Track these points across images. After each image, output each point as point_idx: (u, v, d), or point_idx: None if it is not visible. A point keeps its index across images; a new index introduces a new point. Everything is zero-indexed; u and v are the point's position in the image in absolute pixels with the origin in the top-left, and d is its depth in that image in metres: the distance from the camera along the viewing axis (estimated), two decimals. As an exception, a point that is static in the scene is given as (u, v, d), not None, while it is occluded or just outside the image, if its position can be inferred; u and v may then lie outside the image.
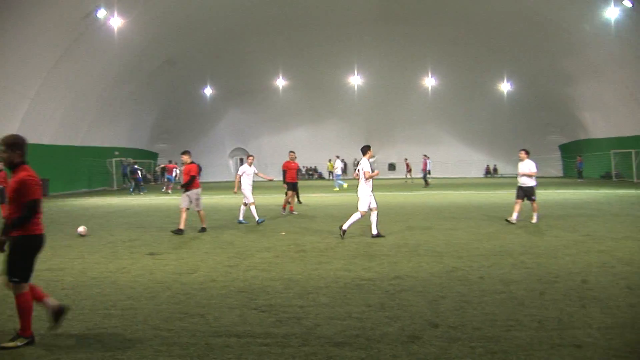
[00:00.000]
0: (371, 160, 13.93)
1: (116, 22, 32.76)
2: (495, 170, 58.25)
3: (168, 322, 6.64)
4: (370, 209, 13.31)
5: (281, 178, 20.30)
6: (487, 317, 6.57)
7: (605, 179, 44.44)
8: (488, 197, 26.52)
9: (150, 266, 10.13)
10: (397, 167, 57.35)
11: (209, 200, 27.65)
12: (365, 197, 13.17)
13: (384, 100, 55.16)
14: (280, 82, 53.56)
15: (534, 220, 15.70)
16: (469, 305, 7.14)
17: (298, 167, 21.34)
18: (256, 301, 7.50)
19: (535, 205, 15.92)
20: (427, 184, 39.50)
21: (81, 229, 14.68)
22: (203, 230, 14.97)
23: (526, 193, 15.82)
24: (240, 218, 16.98)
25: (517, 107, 52.77)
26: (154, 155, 54.92)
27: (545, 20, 37.45)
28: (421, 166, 41.21)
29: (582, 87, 43.76)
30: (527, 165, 15.92)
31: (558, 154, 56.02)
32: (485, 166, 58.76)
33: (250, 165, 17.25)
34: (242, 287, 8.33)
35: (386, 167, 58.40)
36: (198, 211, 15.18)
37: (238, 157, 59.93)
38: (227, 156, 59.33)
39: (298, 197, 24.08)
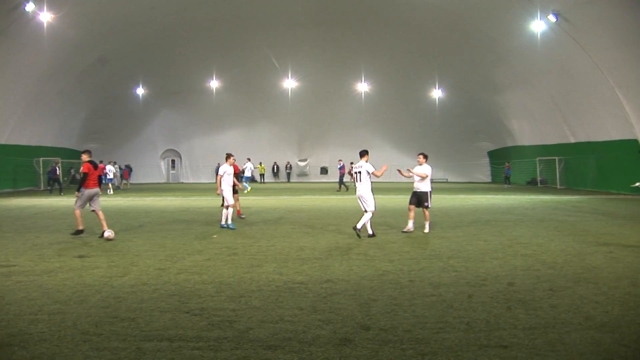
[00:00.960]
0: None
1: (46, 16, 31.66)
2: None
3: (98, 326, 6.46)
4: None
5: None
6: (418, 320, 6.67)
7: (531, 185, 45.91)
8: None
9: (79, 269, 9.82)
10: (329, 171, 57.69)
11: (140, 202, 27.12)
12: (372, 196, 14.16)
13: (317, 104, 55.40)
14: (214, 84, 53.04)
15: (426, 230, 14.91)
16: (399, 308, 7.22)
17: (238, 170, 20.37)
18: (188, 304, 7.38)
19: (427, 213, 15.10)
20: (341, 188, 39.20)
21: (108, 233, 13.70)
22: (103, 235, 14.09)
23: (419, 199, 15.05)
24: (229, 222, 16.12)
25: (447, 113, 53.88)
26: (83, 156, 53.40)
27: (477, 30, 38.41)
28: (341, 169, 41.36)
29: (510, 96, 45.09)
30: (424, 170, 15.24)
31: (487, 160, 57.54)
32: (417, 171, 59.76)
33: (230, 165, 16.60)
34: (174, 291, 8.19)
35: (318, 170, 58.71)
36: (94, 211, 14.64)
37: (170, 159, 59.01)
38: (158, 157, 58.29)
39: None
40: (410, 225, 15.05)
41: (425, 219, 15.14)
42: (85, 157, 14.80)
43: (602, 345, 5.76)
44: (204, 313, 6.97)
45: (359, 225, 13.79)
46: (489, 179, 56.60)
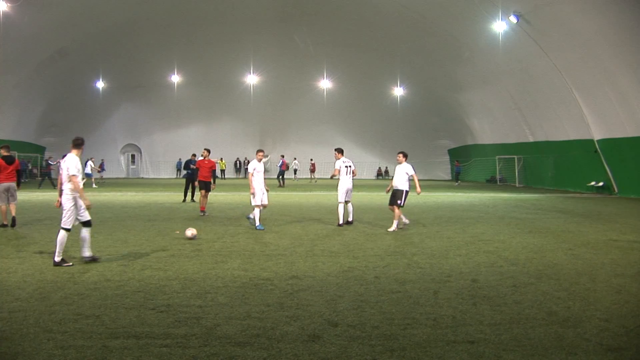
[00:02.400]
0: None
1: (2, 6, 30.83)
2: (386, 172, 59.76)
3: (62, 324, 6.30)
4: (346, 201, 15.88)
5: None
6: (385, 316, 6.70)
7: (491, 182, 46.60)
8: (380, 198, 27.05)
9: (40, 265, 9.59)
10: (290, 167, 57.64)
11: (101, 197, 26.67)
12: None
13: (279, 100, 55.38)
14: (175, 78, 52.51)
15: (391, 228, 14.80)
16: (366, 304, 7.24)
17: (213, 165, 19.58)
18: (153, 301, 7.28)
19: (397, 211, 14.81)
20: (281, 184, 39.98)
21: (189, 232, 13.09)
22: (14, 223, 14.95)
23: (395, 196, 14.90)
24: (253, 220, 14.95)
25: (409, 111, 54.33)
26: (41, 149, 52.25)
27: (439, 29, 38.74)
28: (280, 166, 41.84)
29: (471, 95, 45.63)
30: (404, 169, 14.91)
31: (447, 158, 58.19)
32: (377, 168, 60.16)
33: (260, 162, 15.24)
34: (138, 287, 8.06)
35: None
36: (10, 204, 15.18)
37: (130, 154, 58.24)
38: (118, 152, 57.45)
39: (193, 195, 23.70)
40: (404, 220, 15.29)
41: (394, 217, 14.97)
42: (2, 152, 15.13)
43: (565, 340, 5.87)
44: (170, 310, 6.88)
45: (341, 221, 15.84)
46: (449, 177, 57.22)
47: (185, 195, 23.88)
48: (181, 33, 45.20)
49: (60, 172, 10.11)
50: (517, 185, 41.40)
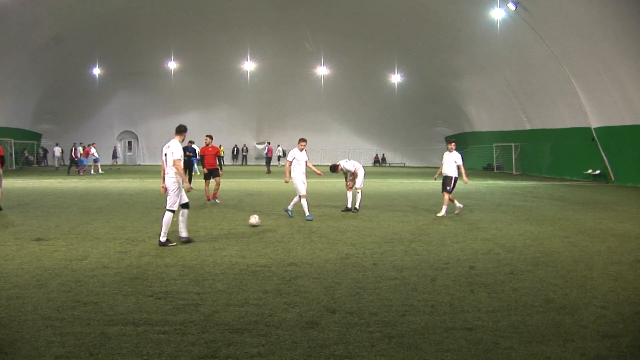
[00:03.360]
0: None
1: (-3, -7, 30.69)
2: (383, 159, 59.76)
3: (60, 311, 6.29)
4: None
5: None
6: (383, 303, 6.71)
7: (488, 170, 46.62)
8: (378, 185, 27.11)
9: (37, 253, 9.57)
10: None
11: (97, 184, 26.65)
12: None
13: (276, 87, 55.23)
14: (172, 65, 52.27)
15: (440, 214, 15.26)
16: (364, 291, 7.26)
17: (218, 152, 19.13)
18: (151, 288, 7.28)
19: (447, 197, 15.27)
20: (268, 171, 40.43)
21: (254, 219, 13.16)
22: None
23: (445, 182, 15.40)
24: (307, 213, 14.33)
25: (406, 98, 54.24)
26: (37, 136, 52.13)
27: (436, 17, 38.60)
28: (267, 154, 42.39)
29: (469, 83, 45.58)
30: (453, 157, 15.41)
31: (444, 145, 58.05)
32: (374, 155, 60.15)
33: (301, 151, 14.63)
34: (136, 274, 8.06)
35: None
36: None
37: (126, 140, 58.11)
38: (115, 139, 57.28)
39: (190, 181, 23.61)
40: (443, 210, 15.34)
41: (444, 202, 15.38)
42: None
43: (562, 327, 5.89)
44: (168, 297, 6.88)
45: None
46: (446, 164, 57.14)
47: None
48: (178, 20, 44.94)
49: (163, 158, 10.73)
50: (514, 172, 41.42)
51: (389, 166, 57.86)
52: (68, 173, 35.66)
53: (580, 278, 8.10)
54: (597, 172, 32.11)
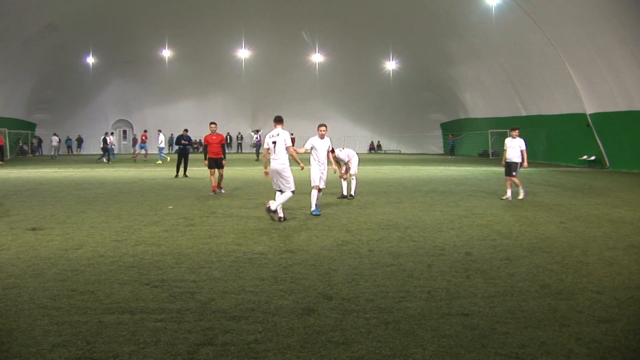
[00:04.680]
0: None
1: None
2: (379, 146, 59.78)
3: (56, 300, 6.28)
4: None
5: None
6: (379, 289, 6.72)
7: (483, 156, 46.70)
8: (373, 172, 27.11)
9: (32, 242, 9.54)
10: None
11: (93, 173, 26.60)
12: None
13: (271, 74, 55.14)
14: (166, 53, 52.12)
15: (521, 196, 15.97)
16: (360, 277, 7.26)
17: (223, 140, 18.19)
18: (148, 276, 7.26)
19: (516, 180, 16.11)
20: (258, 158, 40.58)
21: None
22: None
23: (509, 168, 16.12)
24: (313, 207, 13.07)
25: (402, 85, 54.25)
26: (31, 126, 51.95)
27: (432, 3, 38.52)
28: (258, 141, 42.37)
29: (464, 69, 45.55)
30: (517, 143, 16.24)
31: (439, 131, 58.25)
32: (370, 142, 60.17)
33: (322, 138, 13.49)
34: (132, 262, 8.05)
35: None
36: None
37: (121, 129, 57.98)
38: (109, 127, 57.08)
39: (185, 170, 23.61)
40: (508, 193, 16.12)
41: (517, 185, 16.14)
42: None
43: (558, 312, 5.91)
44: (164, 285, 6.88)
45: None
46: (441, 151, 57.29)
47: (177, 171, 23.73)
48: (172, 7, 44.76)
49: (270, 145, 11.96)
50: (509, 159, 41.47)
51: (385, 153, 57.94)
52: (102, 161, 36.76)
53: (575, 263, 8.13)
54: (593, 158, 32.18)
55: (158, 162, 34.92)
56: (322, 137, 13.47)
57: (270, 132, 12.58)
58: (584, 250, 9.02)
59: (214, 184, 17.79)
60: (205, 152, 18.09)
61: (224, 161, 17.93)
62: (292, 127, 55.13)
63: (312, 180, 13.25)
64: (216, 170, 17.89)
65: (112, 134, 41.85)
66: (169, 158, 36.34)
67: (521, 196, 15.96)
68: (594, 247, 9.28)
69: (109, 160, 36.84)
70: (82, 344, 5.00)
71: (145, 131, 41.19)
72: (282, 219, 11.94)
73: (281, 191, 12.15)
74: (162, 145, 36.77)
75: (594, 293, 6.61)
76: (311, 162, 13.38)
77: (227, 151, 19.36)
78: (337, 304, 6.14)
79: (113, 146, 38.80)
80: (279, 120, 12.65)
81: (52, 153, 45.61)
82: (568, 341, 5.10)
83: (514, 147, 16.16)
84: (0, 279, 7.15)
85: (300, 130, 53.11)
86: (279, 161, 12.00)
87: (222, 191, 17.72)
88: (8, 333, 5.30)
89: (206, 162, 18.03)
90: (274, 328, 5.41)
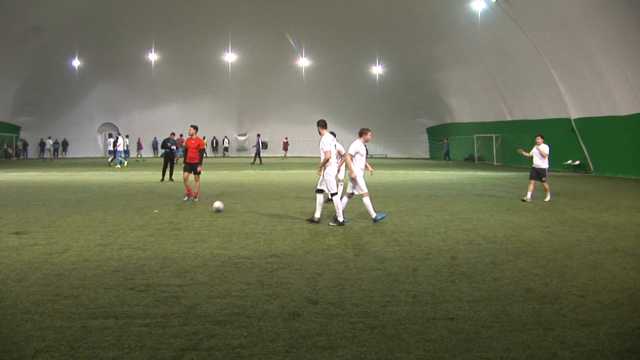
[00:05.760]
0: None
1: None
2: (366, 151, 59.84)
3: (40, 305, 6.22)
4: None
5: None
6: (365, 294, 6.72)
7: (469, 161, 46.92)
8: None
9: (16, 246, 9.46)
10: (269, 146, 57.53)
11: (77, 176, 26.44)
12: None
13: (258, 78, 55.12)
14: (153, 56, 51.96)
15: (547, 199, 16.91)
16: (346, 282, 7.26)
17: (201, 144, 17.01)
18: (133, 281, 7.22)
19: (546, 185, 17.11)
20: (257, 162, 40.93)
21: (218, 204, 14.16)
22: None
23: (538, 174, 17.09)
24: (373, 214, 12.42)
25: (388, 90, 54.38)
26: (16, 129, 51.53)
27: (417, 7, 38.69)
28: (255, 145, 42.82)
29: (450, 73, 45.74)
30: (542, 148, 17.07)
31: (425, 136, 58.40)
32: (356, 147, 60.24)
33: (364, 142, 12.80)
34: (117, 267, 8.00)
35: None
36: None
37: (107, 132, 57.66)
38: (95, 131, 56.85)
39: (171, 174, 23.56)
40: (529, 195, 17.02)
41: (545, 190, 17.20)
42: None
43: (542, 316, 5.94)
44: (149, 289, 6.84)
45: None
46: (427, 155, 57.47)
47: (163, 175, 23.67)
48: (158, 10, 44.58)
49: (334, 150, 12.31)
50: (495, 163, 41.73)
51: (371, 157, 57.95)
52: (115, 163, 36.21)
53: (560, 267, 8.19)
54: (577, 162, 32.45)
55: (117, 166, 34.64)
56: (365, 141, 12.79)
57: (324, 137, 12.64)
58: (568, 254, 9.09)
59: (188, 188, 16.85)
60: (184, 154, 17.33)
61: (199, 167, 16.72)
62: (276, 130, 55.37)
63: (362, 188, 12.36)
64: (190, 174, 16.81)
65: (127, 136, 41.96)
66: (126, 162, 35.84)
67: (547, 199, 16.95)
68: (578, 251, 9.35)
69: (114, 162, 36.52)
70: (65, 349, 4.96)
71: (182, 135, 40.07)
72: (345, 222, 12.16)
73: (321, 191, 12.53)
74: (121, 148, 35.95)
75: (577, 297, 6.66)
76: (357, 170, 12.40)
77: (214, 155, 19.14)
78: (322, 309, 6.14)
79: (125, 148, 38.54)
80: (326, 125, 12.94)
81: (49, 156, 45.51)
82: (552, 345, 5.13)
83: (540, 154, 17.19)
84: (-18, 284, 7.09)
85: (287, 134, 53.39)
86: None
87: (196, 200, 16.50)
88: (-10, 339, 5.25)
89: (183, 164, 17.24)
90: (259, 332, 5.40)
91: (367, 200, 12.39)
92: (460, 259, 8.70)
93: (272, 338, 5.26)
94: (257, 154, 41.89)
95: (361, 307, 6.20)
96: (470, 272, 7.85)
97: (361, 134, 12.82)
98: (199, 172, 16.76)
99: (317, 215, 12.46)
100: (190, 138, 17.01)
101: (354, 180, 12.28)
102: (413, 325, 5.63)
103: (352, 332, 5.42)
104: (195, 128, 17.18)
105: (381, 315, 5.92)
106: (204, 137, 53.33)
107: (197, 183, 16.84)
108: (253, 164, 39.81)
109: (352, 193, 12.55)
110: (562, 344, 5.15)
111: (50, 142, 46.77)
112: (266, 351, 4.94)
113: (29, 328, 5.50)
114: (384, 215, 12.70)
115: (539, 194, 17.65)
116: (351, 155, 12.47)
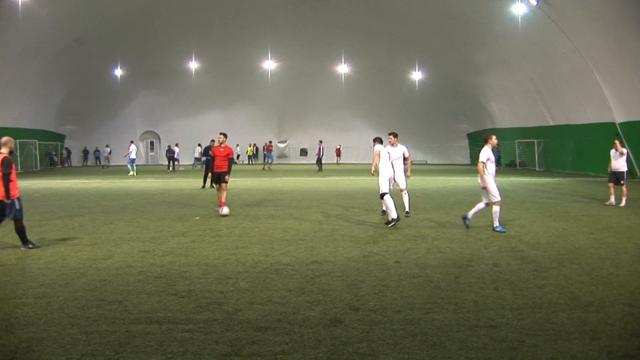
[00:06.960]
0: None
1: (20, -4, 30.96)
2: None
3: (85, 309, 6.37)
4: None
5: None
6: (406, 301, 6.69)
7: (510, 167, 46.26)
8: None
9: (62, 252, 9.68)
10: (309, 153, 57.73)
11: (120, 184, 26.90)
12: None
13: (297, 85, 55.25)
14: (193, 65, 52.59)
15: (623, 203, 16.92)
16: (387, 289, 7.24)
17: (230, 153, 15.84)
18: (175, 287, 7.33)
19: (624, 189, 17.25)
20: (320, 169, 40.73)
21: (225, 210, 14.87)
22: None
23: (617, 177, 17.40)
24: (496, 223, 12.22)
25: (428, 95, 54.00)
26: (61, 137, 52.76)
27: (458, 12, 38.35)
28: (316, 152, 42.66)
29: (491, 79, 45.20)
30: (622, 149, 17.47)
31: (466, 142, 57.79)
32: (397, 153, 59.98)
33: (491, 147, 12.36)
34: (160, 273, 8.12)
35: (298, 152, 58.86)
36: None
37: (148, 140, 58.52)
38: (137, 139, 57.68)
39: (212, 181, 23.77)
40: (612, 199, 17.39)
41: (622, 194, 17.19)
42: None
43: (588, 325, 5.82)
44: (191, 295, 6.93)
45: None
46: (468, 161, 56.84)
47: (204, 182, 23.87)
48: (198, 19, 45.12)
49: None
50: (537, 169, 41.09)
51: (412, 164, 57.71)
52: (169, 170, 39.20)
53: (606, 275, 8.01)
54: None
55: (130, 173, 34.96)
56: (492, 145, 12.43)
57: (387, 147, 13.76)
58: (614, 262, 8.89)
59: (220, 200, 15.41)
60: (207, 162, 16.37)
61: (227, 176, 15.48)
62: (316, 137, 55.41)
63: (494, 195, 12.01)
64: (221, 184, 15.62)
65: (176, 145, 44.84)
66: (133, 172, 36.00)
67: (623, 203, 16.93)
68: (625, 259, 9.14)
69: (173, 169, 38.94)
70: (110, 353, 5.06)
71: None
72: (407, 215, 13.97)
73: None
74: (133, 156, 36.24)
75: (625, 305, 6.51)
76: (488, 176, 12.03)
77: (251, 162, 19.11)
78: (364, 316, 6.13)
79: (177, 156, 40.52)
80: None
81: (105, 163, 47.49)
82: (599, 355, 5.02)
83: (619, 158, 17.49)
84: (31, 288, 7.27)
85: (326, 140, 53.45)
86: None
87: (223, 211, 14.89)
88: (39, 342, 5.38)
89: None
90: (300, 339, 5.41)
91: (497, 208, 12.04)
92: (503, 265, 8.59)
93: (313, 345, 5.27)
94: (319, 160, 41.62)
95: (403, 314, 6.17)
96: (513, 279, 7.74)
97: (486, 139, 12.42)
98: (226, 182, 15.53)
99: (394, 215, 12.56)
100: (219, 146, 15.87)
101: (485, 189, 12.01)
102: (455, 333, 5.58)
103: (394, 340, 5.39)
104: (225, 135, 16.07)
105: (423, 323, 5.89)
106: (237, 145, 54.18)
107: (224, 192, 15.45)
108: (320, 170, 39.85)
109: (487, 203, 12.21)
110: (609, 354, 5.04)
111: (108, 150, 48.75)
112: (307, 358, 4.95)
113: (75, 332, 5.62)
114: (504, 230, 12.05)
115: (579, 199, 17.32)
116: (483, 162, 12.00)
